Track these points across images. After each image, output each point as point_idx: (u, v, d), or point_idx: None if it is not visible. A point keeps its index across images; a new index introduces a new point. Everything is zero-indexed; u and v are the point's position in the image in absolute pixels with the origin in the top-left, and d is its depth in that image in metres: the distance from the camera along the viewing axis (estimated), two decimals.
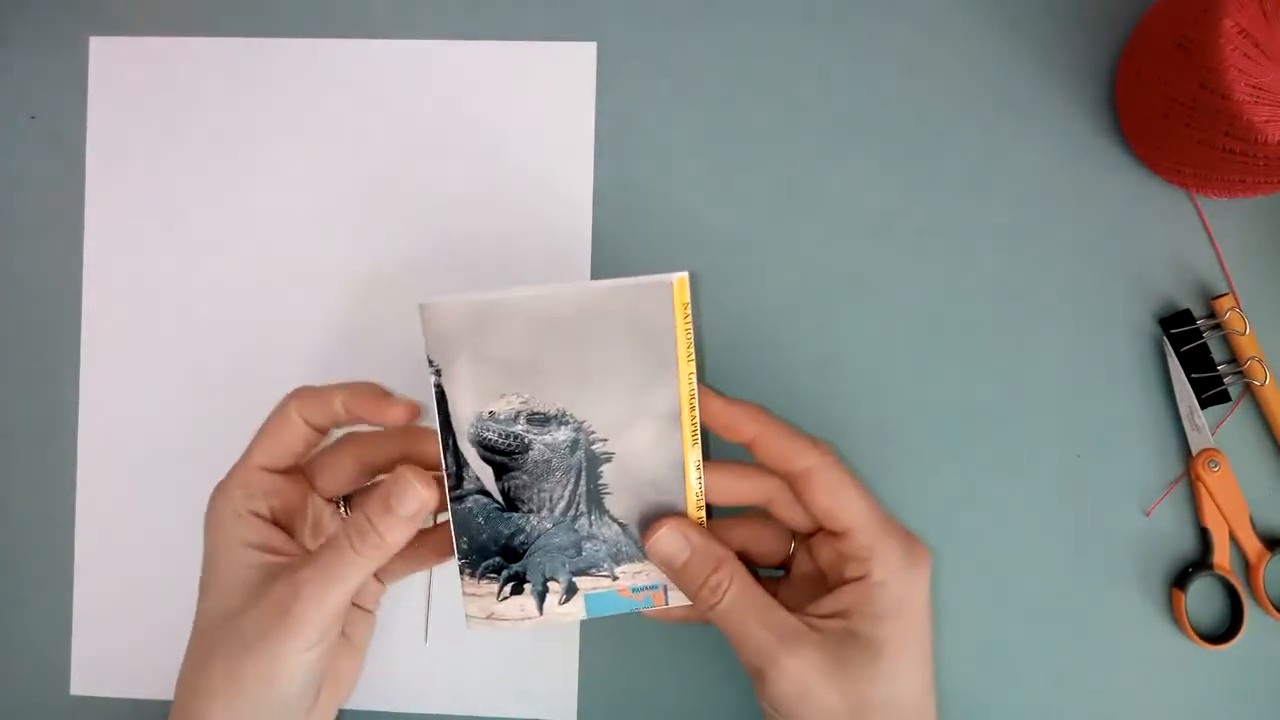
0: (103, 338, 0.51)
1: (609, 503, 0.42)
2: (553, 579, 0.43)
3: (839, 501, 0.41)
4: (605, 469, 0.42)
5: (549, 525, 0.42)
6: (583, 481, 0.42)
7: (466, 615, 0.43)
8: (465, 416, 0.40)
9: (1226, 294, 0.48)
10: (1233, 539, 0.48)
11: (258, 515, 0.43)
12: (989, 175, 0.49)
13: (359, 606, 0.46)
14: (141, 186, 0.51)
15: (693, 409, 0.41)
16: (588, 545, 0.42)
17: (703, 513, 0.42)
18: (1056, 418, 0.49)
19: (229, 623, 0.41)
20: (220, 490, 0.43)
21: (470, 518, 0.42)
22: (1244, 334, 0.47)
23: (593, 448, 0.41)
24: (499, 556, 0.42)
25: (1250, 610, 0.48)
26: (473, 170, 0.50)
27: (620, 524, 0.42)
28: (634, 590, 0.43)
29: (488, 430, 0.41)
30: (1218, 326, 0.48)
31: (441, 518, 0.44)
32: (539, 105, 0.50)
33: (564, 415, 0.41)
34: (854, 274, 0.49)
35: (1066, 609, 0.49)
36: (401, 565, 0.46)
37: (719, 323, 0.49)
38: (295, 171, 0.51)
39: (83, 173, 0.51)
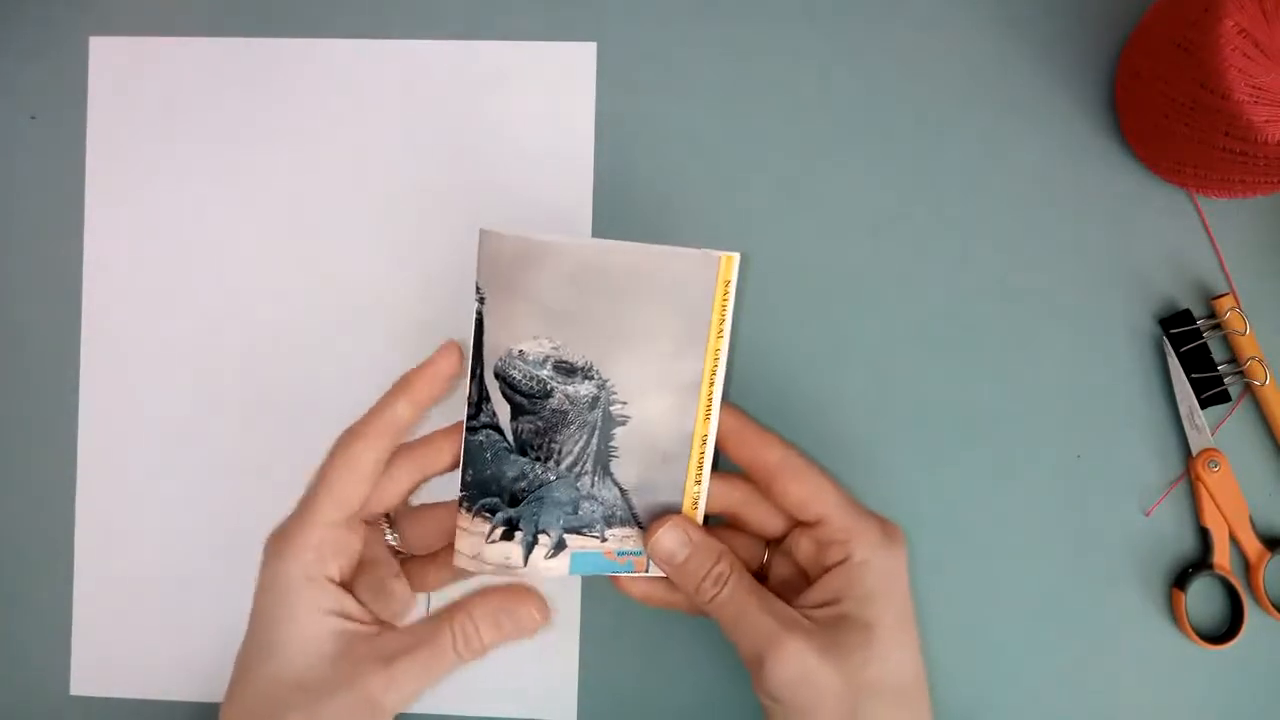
0: (103, 338, 0.51)
1: (614, 465, 0.42)
2: (544, 532, 0.42)
3: (811, 489, 0.41)
4: (618, 431, 0.42)
5: (552, 477, 0.42)
6: (595, 440, 0.42)
7: (456, 550, 0.42)
8: (496, 349, 0.41)
9: (1226, 294, 0.48)
10: (1233, 539, 0.48)
11: (330, 580, 0.42)
12: (989, 175, 0.49)
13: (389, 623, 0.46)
14: (141, 186, 0.51)
15: (712, 385, 0.41)
16: (585, 505, 0.42)
17: (701, 488, 0.43)
18: (1056, 418, 0.49)
19: (305, 694, 0.40)
20: (286, 548, 0.41)
21: (479, 450, 0.42)
22: (1244, 334, 0.47)
23: (611, 408, 0.41)
24: (497, 497, 0.42)
25: (1250, 610, 0.48)
26: (473, 170, 0.50)
27: (621, 488, 0.42)
28: (619, 554, 0.43)
29: (514, 368, 0.41)
30: (1218, 326, 0.48)
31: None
32: (539, 105, 0.50)
33: (590, 369, 0.41)
34: (854, 274, 0.49)
35: (1066, 609, 0.49)
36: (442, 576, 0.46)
37: None
38: (295, 171, 0.51)
39: (83, 173, 0.51)
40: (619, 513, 0.43)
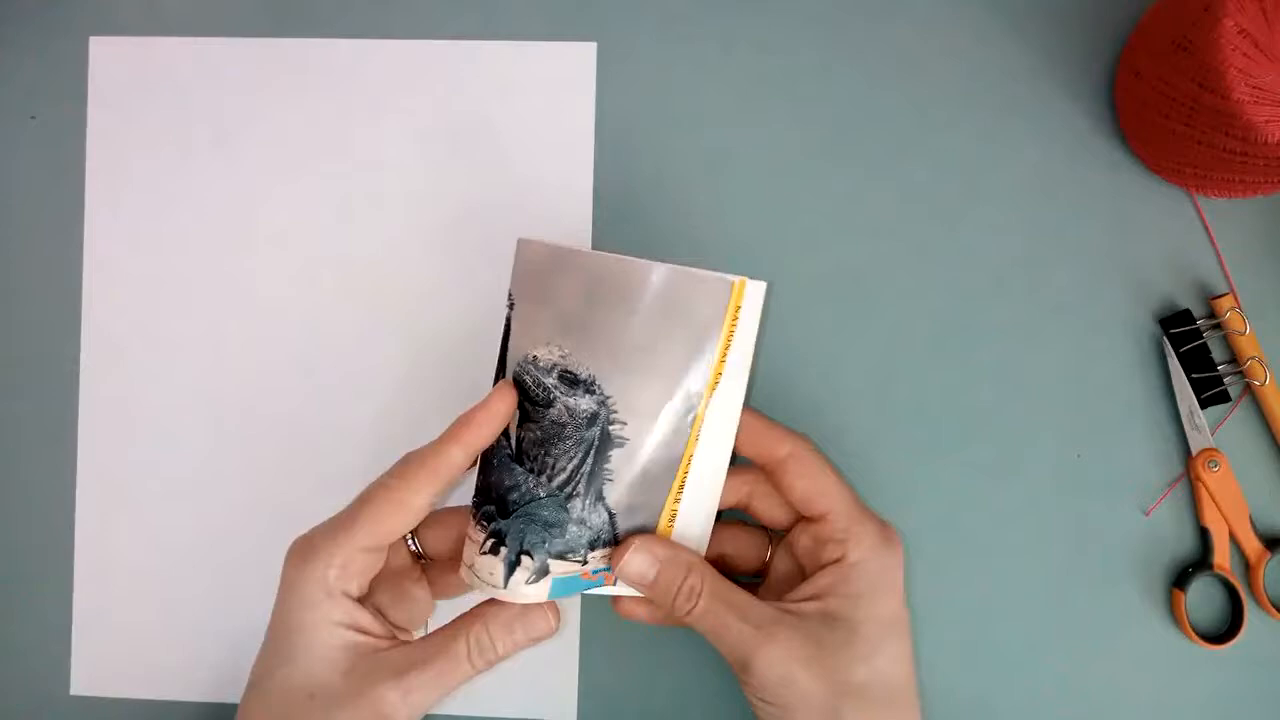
0: (103, 338, 0.51)
1: (607, 489, 0.41)
2: (528, 554, 0.41)
3: (817, 485, 0.42)
4: (615, 454, 0.41)
5: (541, 494, 0.41)
6: (590, 460, 0.41)
7: (464, 557, 0.42)
8: (516, 355, 0.41)
9: (1226, 294, 0.48)
10: (1233, 539, 0.48)
11: (348, 596, 0.41)
12: (989, 175, 0.49)
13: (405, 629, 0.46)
14: (141, 186, 0.51)
15: (707, 407, 0.41)
16: (573, 529, 0.41)
17: (680, 505, 0.42)
18: (1056, 418, 0.49)
19: (316, 703, 0.40)
20: (312, 559, 0.41)
21: (489, 455, 0.42)
22: (1244, 334, 0.47)
23: (610, 427, 0.40)
24: (493, 505, 0.41)
25: (1250, 610, 0.48)
26: (472, 170, 0.50)
27: (610, 513, 0.41)
28: (594, 571, 0.43)
29: (525, 374, 0.41)
30: (1218, 326, 0.48)
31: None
32: (539, 105, 0.50)
33: (593, 383, 0.40)
34: (854, 274, 0.49)
35: (1066, 609, 0.49)
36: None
37: None
38: (295, 171, 0.51)
39: (83, 173, 0.51)
40: (604, 536, 0.42)
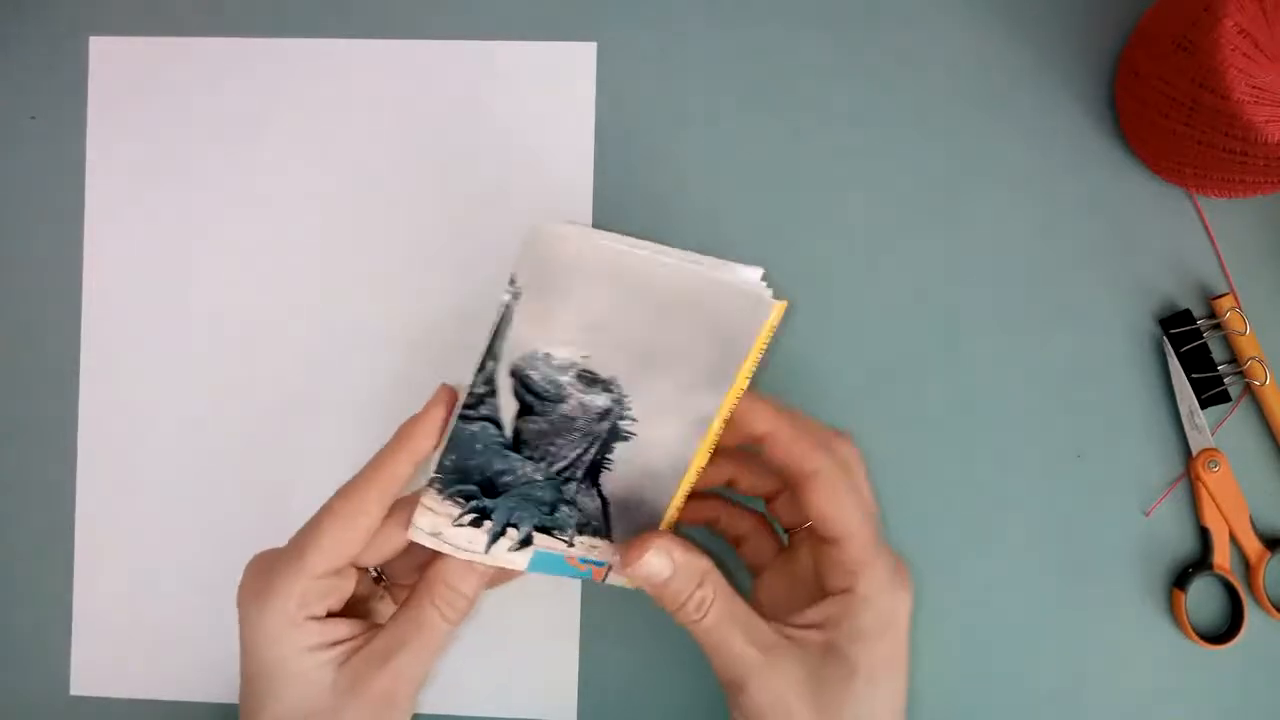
0: (103, 337, 0.51)
1: (605, 478, 0.41)
2: (514, 525, 0.41)
3: (836, 510, 0.40)
4: (619, 446, 0.41)
5: (538, 477, 0.41)
6: (593, 450, 0.41)
7: (413, 525, 0.41)
8: (519, 346, 0.39)
9: (1226, 294, 0.48)
10: (1233, 539, 0.48)
11: (314, 618, 0.41)
12: (988, 175, 0.49)
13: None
14: (141, 186, 0.51)
15: (722, 424, 0.41)
16: (563, 509, 0.41)
17: (678, 516, 0.43)
18: (1056, 418, 0.49)
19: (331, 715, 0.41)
20: (268, 595, 0.40)
21: (470, 440, 0.40)
22: (1244, 334, 0.47)
23: (620, 423, 0.41)
24: (476, 486, 0.41)
25: (1250, 610, 0.48)
26: (472, 170, 0.50)
27: (605, 500, 0.42)
28: (581, 560, 0.42)
29: (534, 369, 0.39)
30: (1218, 326, 0.48)
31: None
32: (539, 105, 0.50)
33: (612, 383, 0.40)
34: (852, 273, 0.49)
35: (1066, 609, 0.49)
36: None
37: None
38: (295, 171, 0.51)
39: (83, 173, 0.51)
40: (594, 523, 0.42)
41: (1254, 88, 0.40)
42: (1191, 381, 0.48)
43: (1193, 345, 0.48)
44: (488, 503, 0.41)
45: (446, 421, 0.41)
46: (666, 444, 0.41)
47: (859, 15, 0.50)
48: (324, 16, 0.51)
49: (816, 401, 0.49)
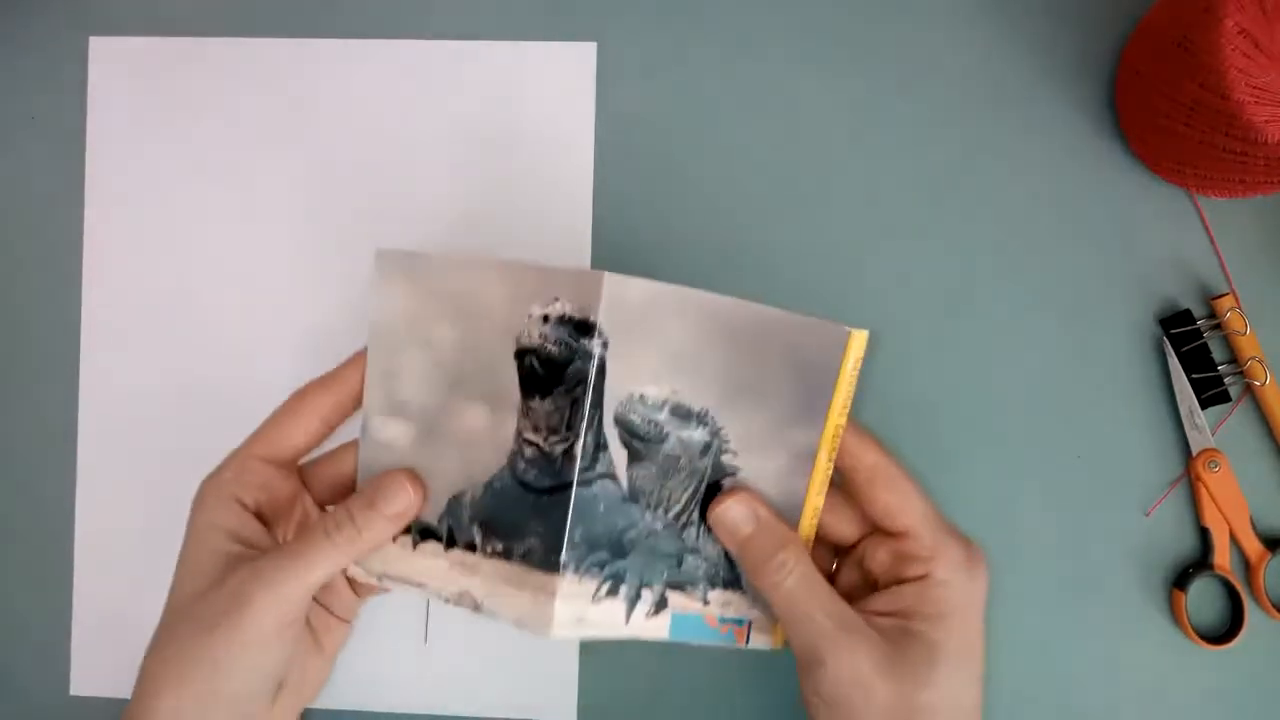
0: (103, 338, 0.51)
1: None
2: (647, 586, 0.41)
3: (901, 500, 0.41)
4: (727, 482, 0.41)
5: (659, 526, 0.41)
6: (702, 488, 0.41)
7: (553, 623, 0.40)
8: (617, 394, 0.40)
9: (1226, 294, 0.48)
10: (1233, 539, 0.48)
11: (241, 504, 0.43)
12: (988, 175, 0.49)
13: (334, 615, 0.46)
14: (141, 186, 0.51)
15: (830, 461, 0.41)
16: (689, 559, 0.41)
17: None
18: (1056, 418, 0.49)
19: (191, 605, 0.41)
20: (211, 475, 0.43)
21: (592, 504, 0.40)
22: (1244, 334, 0.47)
23: (722, 457, 0.41)
24: (606, 551, 0.41)
25: (1250, 610, 0.48)
26: (472, 170, 0.50)
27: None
28: (720, 620, 0.42)
29: (633, 412, 0.40)
30: (1218, 326, 0.48)
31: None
32: (539, 105, 0.50)
33: (706, 415, 0.40)
34: (853, 274, 0.49)
35: (1066, 609, 0.49)
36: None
37: None
38: (295, 171, 0.51)
39: (83, 173, 0.51)
40: (722, 572, 0.42)
41: (1254, 88, 0.40)
42: (1191, 381, 0.48)
43: (1193, 345, 0.48)
44: (620, 564, 0.41)
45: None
46: (773, 478, 0.41)
47: (859, 15, 0.50)
48: (324, 16, 0.51)
49: None
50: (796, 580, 0.40)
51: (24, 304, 0.52)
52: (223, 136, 0.51)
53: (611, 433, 0.40)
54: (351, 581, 0.46)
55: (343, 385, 0.43)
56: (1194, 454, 0.48)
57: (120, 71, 0.51)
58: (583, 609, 0.41)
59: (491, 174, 0.50)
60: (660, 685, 0.49)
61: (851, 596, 0.42)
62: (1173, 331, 0.48)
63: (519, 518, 0.41)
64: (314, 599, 0.44)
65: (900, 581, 0.41)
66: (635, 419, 0.40)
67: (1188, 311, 0.48)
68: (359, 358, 0.43)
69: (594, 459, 0.40)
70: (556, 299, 0.39)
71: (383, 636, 0.50)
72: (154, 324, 0.51)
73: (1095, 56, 0.49)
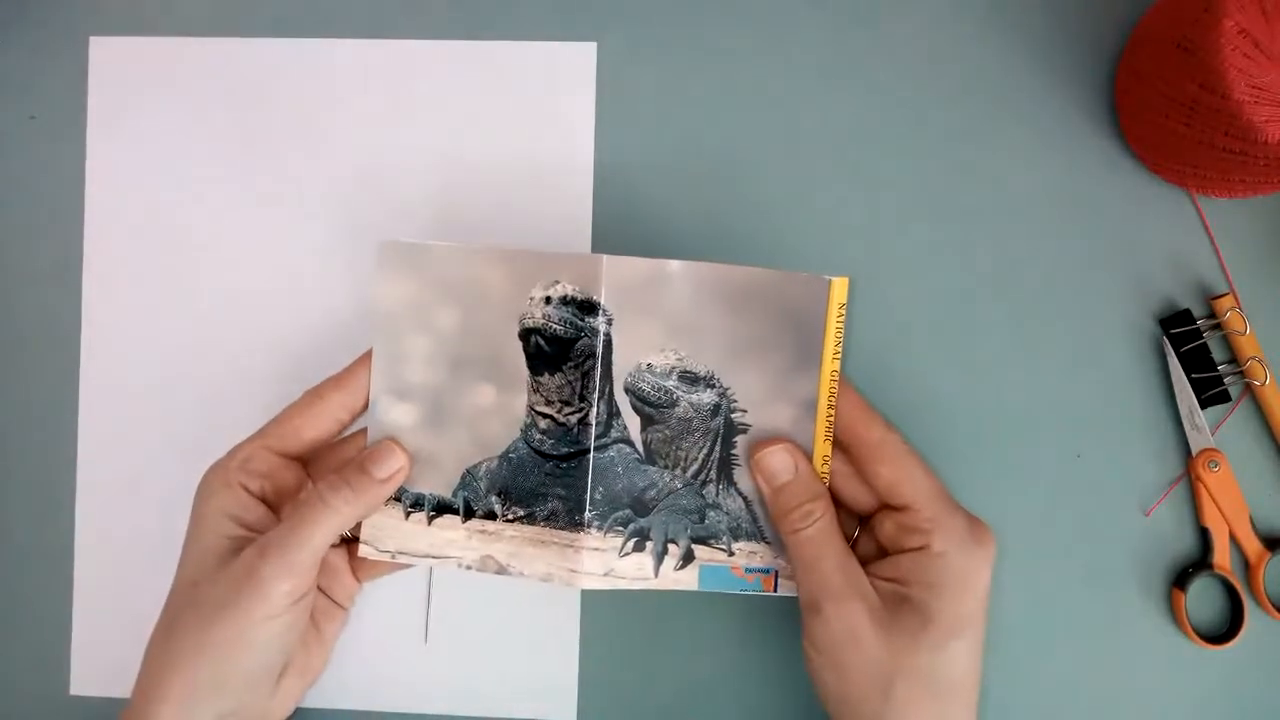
0: (103, 337, 0.51)
1: (737, 474, 0.44)
2: (673, 541, 0.44)
3: (903, 474, 0.42)
4: (740, 439, 0.44)
5: (679, 485, 0.44)
6: (717, 447, 0.44)
7: (580, 573, 0.43)
8: (625, 365, 0.43)
9: (1226, 294, 0.48)
10: (1233, 539, 0.48)
11: (246, 489, 0.43)
12: (988, 176, 0.49)
13: (333, 601, 0.46)
14: (141, 186, 0.51)
15: (831, 407, 0.43)
16: (711, 514, 0.44)
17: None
18: (1056, 418, 0.49)
19: (197, 590, 0.42)
20: (217, 463, 0.44)
21: (610, 466, 0.43)
22: (1244, 334, 0.47)
23: (732, 415, 0.43)
24: (629, 509, 0.43)
25: (1250, 610, 0.48)
26: (473, 170, 0.50)
27: (745, 498, 0.44)
28: (747, 570, 0.44)
29: (643, 381, 0.43)
30: (1218, 326, 0.48)
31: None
32: (539, 105, 0.50)
33: (712, 378, 0.43)
34: (852, 273, 0.49)
35: (1066, 609, 0.49)
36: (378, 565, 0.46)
37: None
38: (295, 171, 0.51)
39: (83, 173, 0.51)
40: (744, 524, 0.44)
41: (1254, 88, 0.40)
42: (1191, 381, 0.48)
43: (1193, 345, 0.48)
44: (642, 522, 0.43)
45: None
46: (783, 430, 0.43)
47: (858, 16, 0.50)
48: (323, 17, 0.51)
49: None
50: (817, 530, 0.42)
51: (24, 304, 0.52)
52: (222, 136, 0.51)
53: (623, 400, 0.43)
54: (352, 567, 0.46)
55: (356, 383, 0.44)
56: (1194, 454, 0.48)
57: (120, 71, 0.51)
58: (610, 562, 0.43)
59: (492, 173, 0.50)
60: (660, 685, 0.49)
61: (865, 563, 0.43)
62: (1173, 331, 0.48)
63: (539, 484, 0.43)
64: (316, 586, 0.44)
65: (902, 551, 0.42)
66: (645, 386, 0.43)
67: (1188, 311, 0.48)
68: (368, 356, 0.44)
69: (608, 425, 0.43)
70: (557, 281, 0.42)
71: (383, 636, 0.50)
72: (154, 323, 0.51)
73: (1095, 56, 0.49)
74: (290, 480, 0.45)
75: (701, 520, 0.44)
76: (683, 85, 0.50)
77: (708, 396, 0.43)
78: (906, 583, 0.41)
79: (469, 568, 0.44)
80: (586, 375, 0.43)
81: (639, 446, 0.43)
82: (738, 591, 0.44)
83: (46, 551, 0.51)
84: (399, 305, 0.44)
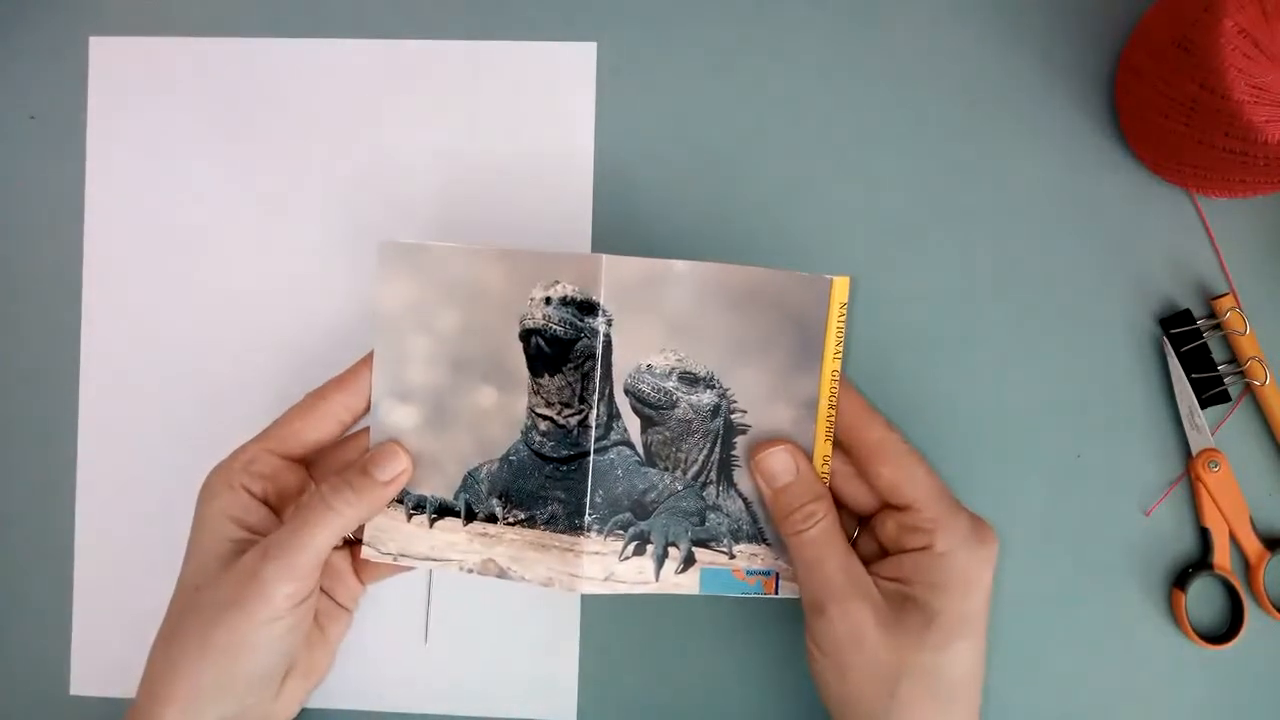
0: (103, 337, 0.51)
1: (737, 476, 0.44)
2: (674, 544, 0.43)
3: (904, 474, 0.42)
4: (740, 440, 0.43)
5: (679, 487, 0.43)
6: (717, 448, 0.43)
7: (581, 578, 0.43)
8: (624, 367, 0.43)
9: (1226, 294, 0.48)
10: (1233, 539, 0.48)
11: (249, 491, 0.43)
12: (988, 176, 0.49)
13: (336, 603, 0.46)
14: (141, 186, 0.51)
15: (832, 406, 0.43)
16: (711, 516, 0.44)
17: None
18: (1056, 418, 0.49)
19: (200, 593, 0.42)
20: (219, 465, 0.44)
21: (610, 469, 0.43)
22: (1244, 334, 0.47)
23: (732, 416, 0.43)
24: (629, 512, 0.43)
25: (1250, 610, 0.48)
26: (473, 170, 0.50)
27: (745, 499, 0.44)
28: (748, 573, 0.44)
29: (642, 382, 0.43)
30: (1218, 326, 0.48)
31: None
32: (539, 105, 0.50)
33: (712, 379, 0.43)
34: (853, 274, 0.49)
35: (1066, 609, 0.49)
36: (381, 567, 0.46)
37: None
38: (294, 171, 0.51)
39: (83, 173, 0.51)
40: (745, 526, 0.44)
41: (1254, 88, 0.40)
42: (1191, 381, 0.48)
43: (1193, 345, 0.48)
44: (643, 525, 0.43)
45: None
46: (783, 431, 0.43)
47: (858, 16, 0.50)
48: (323, 16, 0.51)
49: None
50: (819, 531, 0.42)
51: (24, 303, 0.52)
52: (222, 136, 0.51)
53: (623, 402, 0.43)
54: (356, 569, 0.46)
55: (358, 385, 0.44)
56: (1194, 454, 0.48)
57: (120, 71, 0.51)
58: (610, 566, 0.43)
59: (492, 173, 0.50)
60: (660, 685, 0.49)
61: (867, 563, 0.43)
62: (1173, 331, 0.48)
63: (539, 487, 0.43)
64: (319, 588, 0.44)
65: (904, 551, 0.42)
66: (645, 388, 0.42)
67: (1188, 311, 0.48)
68: (370, 357, 0.44)
69: (608, 428, 0.43)
70: (557, 282, 0.42)
71: (383, 637, 0.50)
72: (154, 323, 0.51)
73: (1095, 56, 0.49)
74: (293, 482, 0.45)
75: (702, 522, 0.44)
76: (683, 85, 0.50)
77: (707, 397, 0.43)
78: (909, 583, 0.41)
79: (470, 571, 0.44)
80: (586, 377, 0.42)
81: (639, 448, 0.43)
82: (739, 594, 0.44)
83: (46, 551, 0.51)
84: (400, 306, 0.43)
